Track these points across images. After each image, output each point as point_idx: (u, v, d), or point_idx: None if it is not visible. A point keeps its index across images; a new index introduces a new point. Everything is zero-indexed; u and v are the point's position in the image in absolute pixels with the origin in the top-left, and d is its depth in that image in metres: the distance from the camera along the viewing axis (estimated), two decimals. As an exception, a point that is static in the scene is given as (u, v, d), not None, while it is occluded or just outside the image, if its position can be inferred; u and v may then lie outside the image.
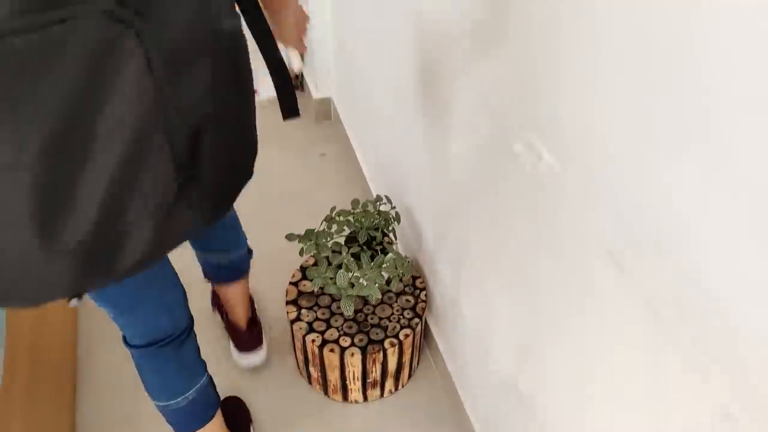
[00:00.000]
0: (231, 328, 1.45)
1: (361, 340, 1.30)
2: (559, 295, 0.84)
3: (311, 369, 1.38)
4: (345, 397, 1.41)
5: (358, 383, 1.36)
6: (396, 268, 1.27)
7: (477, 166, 1.02)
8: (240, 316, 1.41)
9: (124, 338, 1.01)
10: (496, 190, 0.96)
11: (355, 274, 1.25)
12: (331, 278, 1.26)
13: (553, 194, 0.79)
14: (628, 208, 0.65)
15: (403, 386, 1.45)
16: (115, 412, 1.40)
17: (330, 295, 1.38)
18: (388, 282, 1.27)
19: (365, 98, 1.76)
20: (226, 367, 1.48)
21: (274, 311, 1.60)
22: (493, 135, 0.93)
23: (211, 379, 1.14)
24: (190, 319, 1.06)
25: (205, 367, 1.12)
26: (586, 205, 0.73)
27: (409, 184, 1.44)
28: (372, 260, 1.28)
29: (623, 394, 0.75)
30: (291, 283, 1.40)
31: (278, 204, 1.92)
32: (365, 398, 1.41)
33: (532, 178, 0.84)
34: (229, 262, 1.31)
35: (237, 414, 1.33)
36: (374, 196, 1.68)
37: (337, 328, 1.32)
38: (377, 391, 1.41)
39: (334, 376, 1.35)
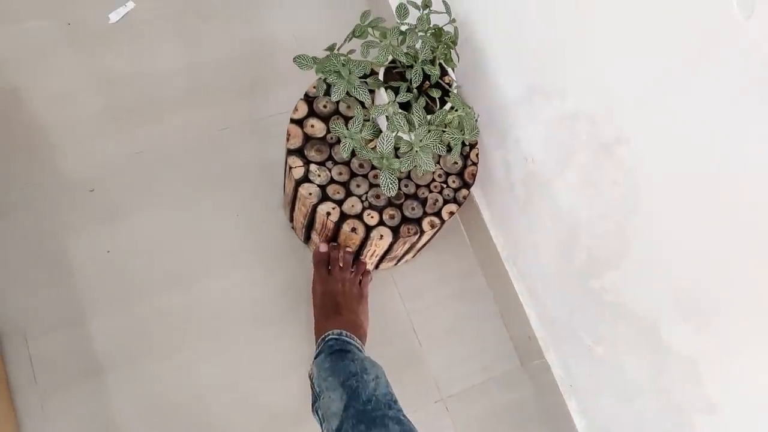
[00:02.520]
0: None
1: (392, 217, 0.96)
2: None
3: (314, 235, 1.05)
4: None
5: (375, 259, 1.06)
6: (462, 130, 0.87)
7: None
8: None
9: None
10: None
11: (403, 138, 0.85)
12: (367, 140, 0.86)
13: None
14: None
15: (419, 251, 1.17)
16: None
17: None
18: (449, 150, 0.88)
19: None
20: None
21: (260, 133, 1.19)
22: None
23: None
24: None
25: None
26: None
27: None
28: (427, 114, 0.87)
29: None
30: (294, 121, 0.98)
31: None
32: (376, 267, 1.13)
33: None
34: None
35: None
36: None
37: (360, 197, 0.96)
38: (392, 263, 1.13)
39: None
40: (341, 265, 0.99)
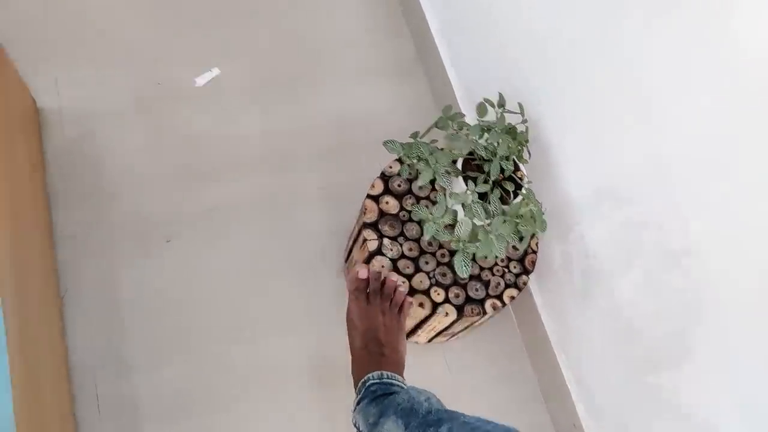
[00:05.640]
0: None
1: (457, 296, 1.01)
2: None
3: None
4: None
5: (431, 333, 1.10)
6: (533, 222, 0.94)
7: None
8: None
9: None
10: None
11: (481, 225, 0.92)
12: (450, 225, 0.92)
13: None
14: None
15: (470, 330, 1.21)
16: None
17: (419, 222, 1.04)
18: (520, 239, 0.94)
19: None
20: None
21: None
22: None
23: None
24: None
25: None
26: None
27: (551, 64, 1.04)
28: (502, 204, 0.93)
29: None
30: (370, 197, 1.05)
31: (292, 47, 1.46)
32: (429, 341, 1.17)
33: None
34: None
35: None
36: (497, 96, 1.26)
37: (428, 273, 1.01)
38: (444, 338, 1.17)
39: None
40: (384, 293, 0.91)
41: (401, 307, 0.92)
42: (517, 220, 0.93)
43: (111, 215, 1.19)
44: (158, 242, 1.18)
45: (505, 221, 0.91)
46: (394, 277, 0.97)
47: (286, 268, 1.21)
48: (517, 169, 1.00)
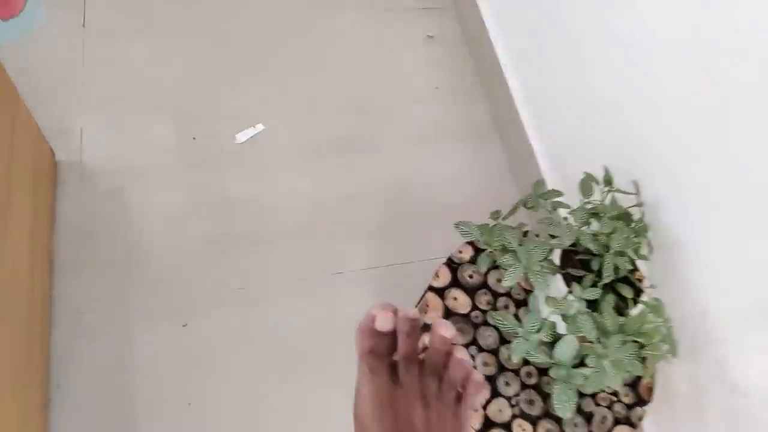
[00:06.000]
0: None
1: (548, 434, 0.75)
2: None
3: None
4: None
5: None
6: (661, 346, 0.68)
7: None
8: None
9: None
10: None
11: (590, 344, 0.66)
12: (546, 342, 0.67)
13: None
14: None
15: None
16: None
17: (497, 327, 0.80)
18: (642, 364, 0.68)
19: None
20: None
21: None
22: None
23: None
24: None
25: None
26: None
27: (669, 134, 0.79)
28: (618, 316, 0.68)
29: None
30: (433, 290, 0.82)
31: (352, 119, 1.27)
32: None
33: None
34: None
35: None
36: (602, 173, 1.02)
37: (509, 399, 0.76)
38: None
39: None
40: (428, 361, 0.43)
41: (463, 392, 0.43)
42: (639, 340, 0.67)
43: (123, 289, 0.99)
44: (174, 326, 0.98)
45: (624, 342, 0.65)
46: (449, 329, 0.43)
47: (320, 364, 0.97)
48: (634, 268, 0.75)
